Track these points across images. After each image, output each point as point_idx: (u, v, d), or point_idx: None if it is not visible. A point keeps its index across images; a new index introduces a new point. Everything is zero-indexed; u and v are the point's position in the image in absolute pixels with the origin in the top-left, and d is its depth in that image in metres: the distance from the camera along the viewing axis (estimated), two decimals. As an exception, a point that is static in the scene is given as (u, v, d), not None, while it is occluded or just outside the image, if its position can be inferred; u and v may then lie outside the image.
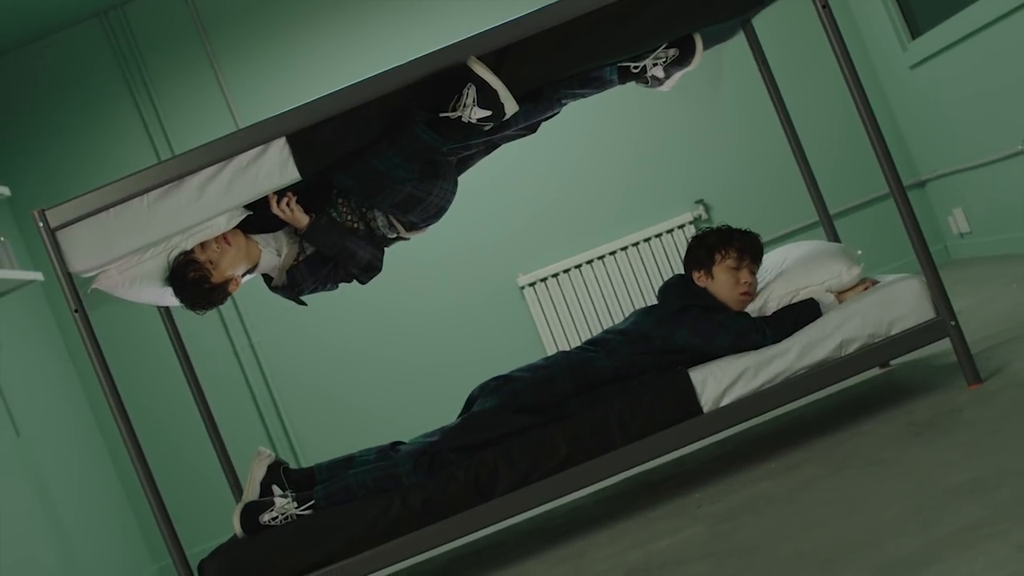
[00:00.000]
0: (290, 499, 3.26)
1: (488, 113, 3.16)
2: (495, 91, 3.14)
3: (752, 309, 3.38)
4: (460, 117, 3.16)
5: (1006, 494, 2.21)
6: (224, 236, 3.29)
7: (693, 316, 3.31)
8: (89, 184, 5.50)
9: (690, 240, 3.52)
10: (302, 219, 3.28)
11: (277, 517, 3.24)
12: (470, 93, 3.15)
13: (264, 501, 3.29)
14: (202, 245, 3.27)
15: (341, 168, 3.28)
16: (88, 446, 5.32)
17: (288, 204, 3.25)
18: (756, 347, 3.23)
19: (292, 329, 5.68)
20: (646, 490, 3.48)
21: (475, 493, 3.15)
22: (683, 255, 3.51)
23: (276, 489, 3.30)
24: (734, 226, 3.47)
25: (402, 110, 3.23)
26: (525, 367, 3.43)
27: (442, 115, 3.18)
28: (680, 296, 3.39)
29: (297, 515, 3.23)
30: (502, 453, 3.17)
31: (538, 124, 3.51)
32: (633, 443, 3.16)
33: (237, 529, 3.27)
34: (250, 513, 3.27)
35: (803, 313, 3.28)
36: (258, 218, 3.37)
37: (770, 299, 3.36)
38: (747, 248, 3.40)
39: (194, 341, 5.29)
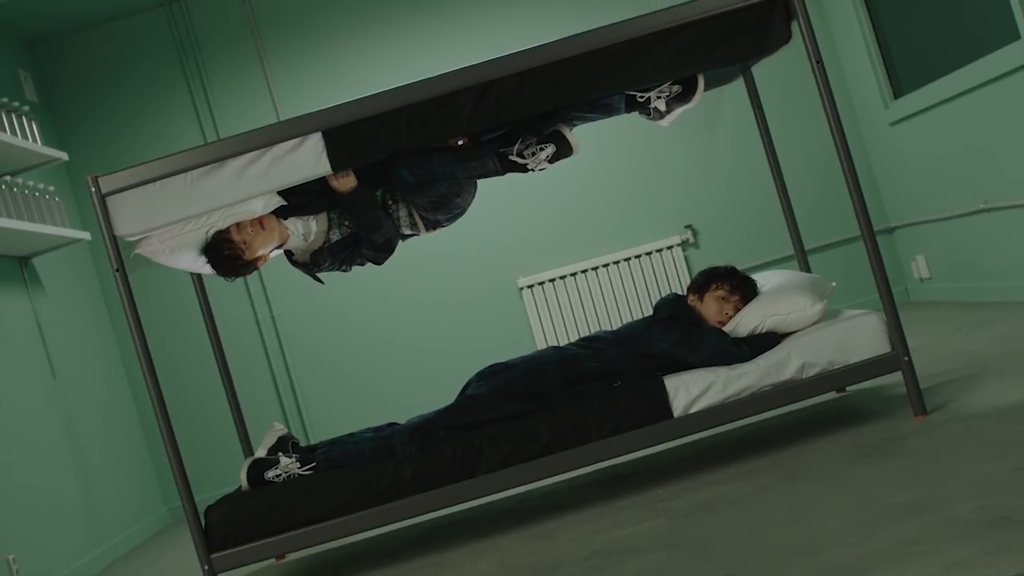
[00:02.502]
0: (294, 459, 3.26)
1: (549, 164, 3.33)
2: (571, 152, 3.32)
3: (726, 330, 3.39)
4: (527, 164, 3.31)
5: (938, 517, 2.21)
6: (259, 220, 3.30)
7: (679, 327, 3.33)
8: (140, 157, 5.51)
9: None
10: (350, 182, 3.30)
11: (280, 475, 3.25)
12: (548, 150, 3.29)
13: (270, 459, 3.30)
14: (238, 226, 3.27)
15: (405, 162, 3.30)
16: (116, 394, 5.32)
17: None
18: (732, 361, 3.24)
19: (311, 306, 5.69)
20: (615, 482, 3.48)
21: (460, 470, 3.16)
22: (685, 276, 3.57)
23: (282, 455, 3.31)
24: (739, 269, 3.55)
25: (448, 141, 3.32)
26: (519, 358, 3.44)
27: (511, 158, 3.31)
28: (671, 308, 3.43)
29: (299, 474, 3.24)
30: (488, 436, 3.18)
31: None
32: (607, 438, 3.17)
33: (243, 482, 3.27)
34: (256, 468, 3.28)
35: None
36: (290, 205, 3.37)
37: (740, 324, 3.36)
38: (739, 288, 3.47)
39: (221, 308, 5.30)
